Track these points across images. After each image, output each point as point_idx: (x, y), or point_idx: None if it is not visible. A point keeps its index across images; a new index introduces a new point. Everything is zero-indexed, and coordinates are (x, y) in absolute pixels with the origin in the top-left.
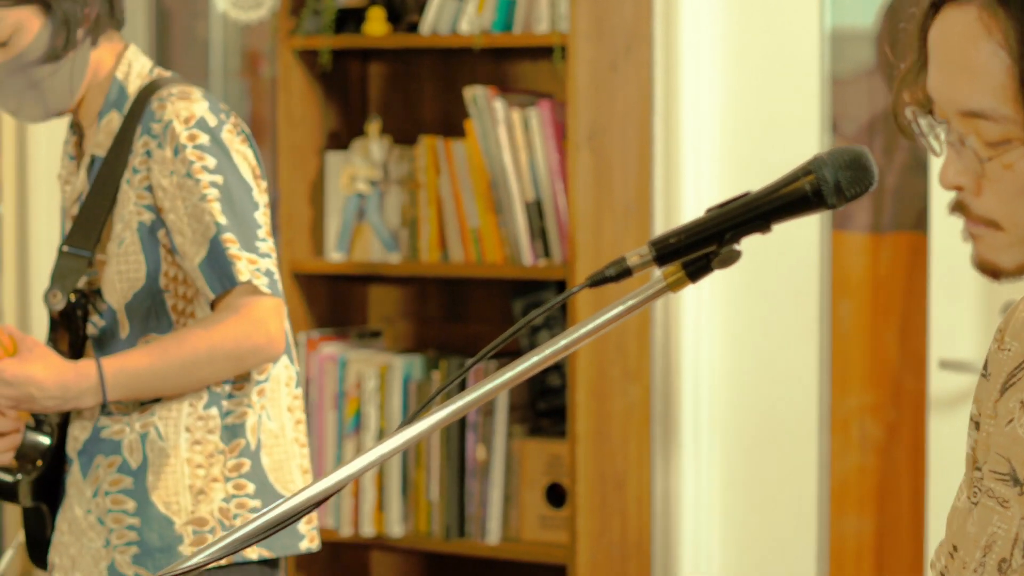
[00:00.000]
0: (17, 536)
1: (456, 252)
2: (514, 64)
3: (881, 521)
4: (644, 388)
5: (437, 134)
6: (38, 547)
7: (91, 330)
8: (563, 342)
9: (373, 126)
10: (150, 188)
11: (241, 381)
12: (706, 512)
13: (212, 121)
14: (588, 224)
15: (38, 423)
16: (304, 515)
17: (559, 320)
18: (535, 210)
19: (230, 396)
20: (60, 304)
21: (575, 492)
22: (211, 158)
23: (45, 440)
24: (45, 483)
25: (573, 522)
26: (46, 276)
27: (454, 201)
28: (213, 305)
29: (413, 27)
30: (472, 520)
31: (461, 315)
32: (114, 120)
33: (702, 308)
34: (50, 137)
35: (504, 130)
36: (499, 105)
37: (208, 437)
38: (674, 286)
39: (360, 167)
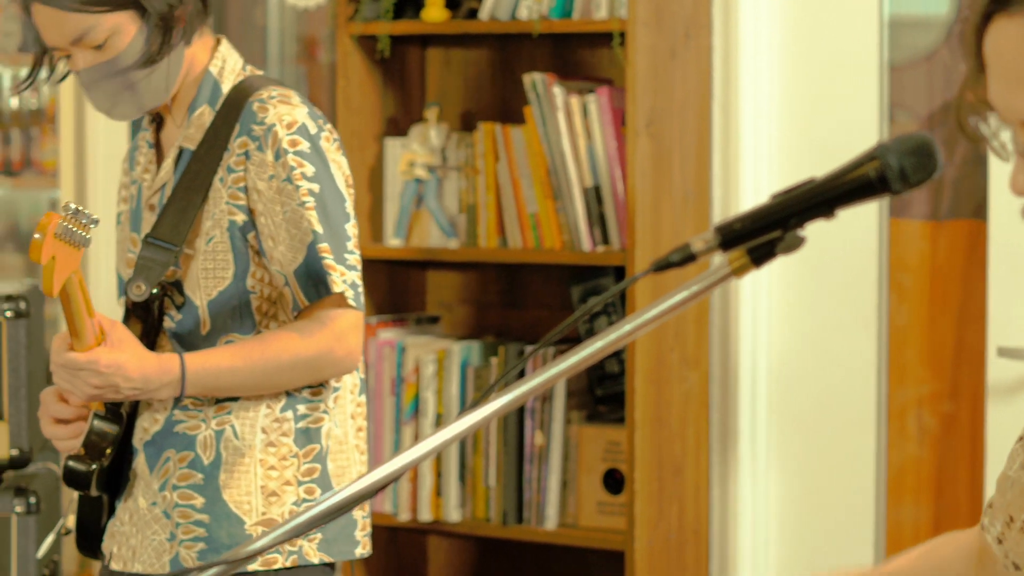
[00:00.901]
0: (61, 521)
1: (514, 238)
2: (573, 50)
3: (938, 510)
4: (702, 375)
5: (495, 120)
6: (89, 535)
7: (168, 323)
8: (628, 327)
9: (432, 112)
10: (245, 189)
11: (318, 386)
12: (763, 499)
13: (312, 128)
14: (647, 210)
15: (107, 412)
16: (365, 500)
17: (617, 306)
18: (593, 196)
19: (306, 400)
20: (143, 296)
21: (633, 478)
22: (310, 166)
23: (113, 429)
24: (109, 471)
25: (631, 508)
26: (101, 262)
27: (512, 187)
28: (298, 311)
29: (472, 13)
30: (529, 506)
31: (519, 301)
32: (205, 115)
33: (760, 295)
34: (107, 124)
35: (563, 116)
36: (558, 91)
37: (283, 440)
38: (739, 271)
39: (419, 153)
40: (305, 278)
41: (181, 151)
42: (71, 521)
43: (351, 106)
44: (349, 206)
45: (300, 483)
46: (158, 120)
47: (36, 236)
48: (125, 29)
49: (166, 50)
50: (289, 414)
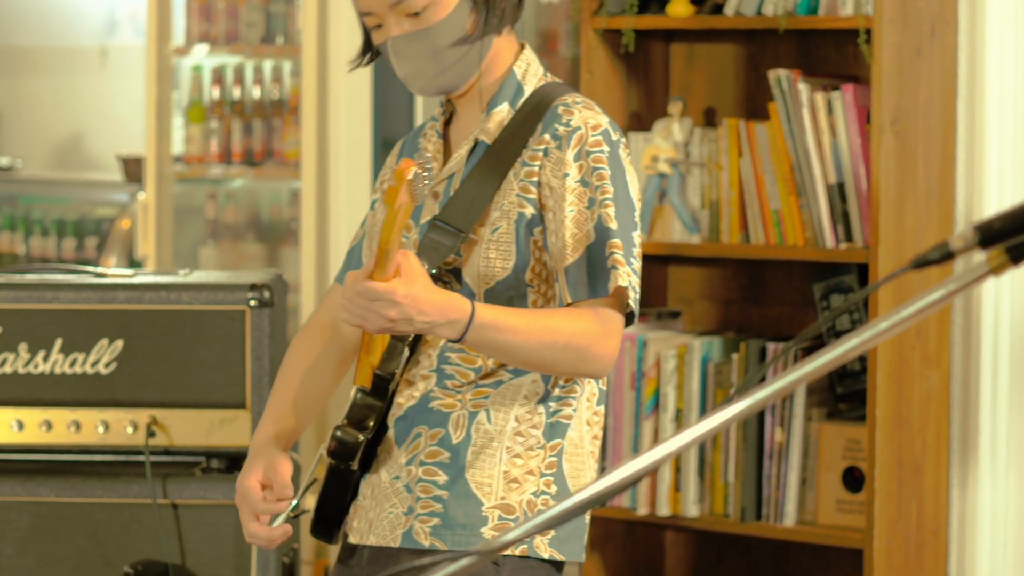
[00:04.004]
0: (293, 502)
1: (757, 234)
2: (818, 47)
3: None
4: (943, 374)
5: (739, 116)
6: (327, 519)
7: None
8: (884, 324)
9: (675, 107)
10: (538, 184)
11: (571, 384)
12: (1002, 500)
13: (613, 136)
14: (891, 208)
15: (375, 387)
16: (611, 498)
17: (860, 305)
18: (837, 193)
19: (558, 399)
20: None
21: (873, 477)
22: (608, 170)
23: (379, 402)
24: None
25: (870, 507)
26: (344, 249)
27: (755, 183)
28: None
29: (717, 8)
30: (768, 502)
31: (760, 297)
32: (504, 112)
33: (1002, 294)
34: (350, 116)
35: (808, 113)
36: (803, 88)
37: (532, 432)
38: (997, 270)
39: (662, 148)
40: (590, 275)
41: (476, 143)
42: (308, 503)
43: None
44: (637, 216)
45: (542, 475)
46: (450, 112)
47: (393, 183)
48: (445, 1)
49: (481, 32)
50: (542, 408)
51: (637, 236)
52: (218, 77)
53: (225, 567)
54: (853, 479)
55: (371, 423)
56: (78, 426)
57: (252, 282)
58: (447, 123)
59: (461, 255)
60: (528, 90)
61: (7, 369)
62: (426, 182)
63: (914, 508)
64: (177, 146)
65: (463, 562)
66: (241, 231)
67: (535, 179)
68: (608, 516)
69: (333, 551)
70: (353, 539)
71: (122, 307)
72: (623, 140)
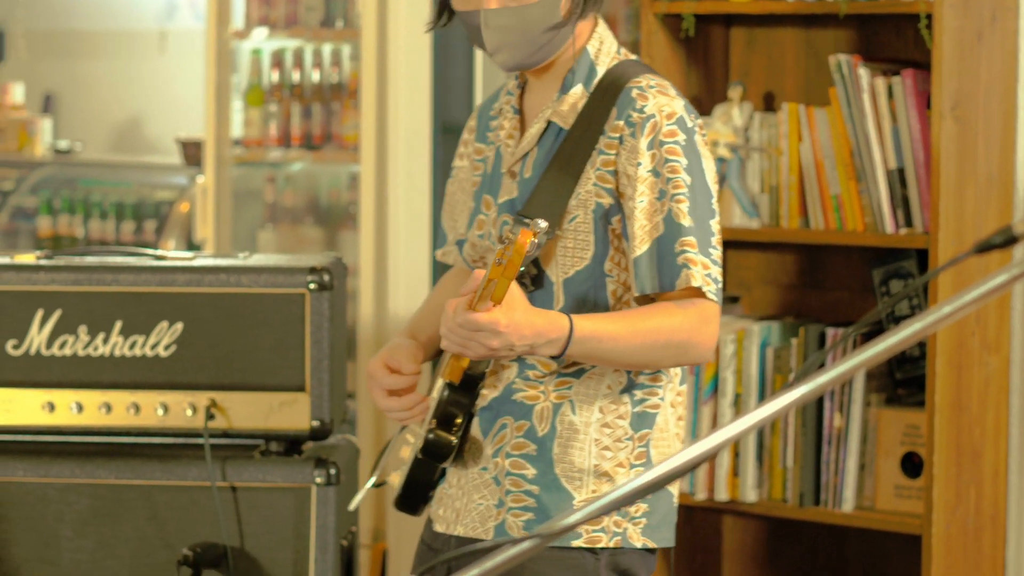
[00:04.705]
0: (372, 477)
1: (816, 219)
2: (878, 31)
3: None
4: (1003, 360)
5: (799, 101)
6: (414, 492)
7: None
8: (947, 309)
9: (735, 91)
10: (615, 173)
11: (657, 372)
12: None
13: (689, 122)
14: (951, 193)
15: (463, 383)
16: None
17: (919, 290)
18: (897, 178)
19: (643, 386)
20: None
21: (932, 463)
22: (684, 158)
23: (467, 399)
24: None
25: (929, 493)
26: (402, 233)
27: (815, 168)
28: (646, 300)
29: None
30: (827, 488)
31: (819, 282)
32: (577, 94)
33: None
34: (409, 100)
35: (868, 98)
36: (863, 73)
37: (618, 422)
38: None
39: (721, 132)
40: (663, 267)
41: (549, 124)
42: (394, 478)
43: None
44: (715, 202)
45: (632, 466)
46: (523, 85)
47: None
48: None
49: (576, 18)
50: (626, 397)
51: (715, 224)
52: (277, 61)
53: (284, 550)
54: (912, 465)
55: (459, 420)
56: (137, 408)
57: (312, 265)
58: (522, 96)
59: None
60: (601, 70)
61: (67, 351)
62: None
63: (972, 494)
64: (236, 129)
65: (524, 545)
66: (299, 215)
67: (611, 168)
68: None
69: (391, 535)
70: (439, 527)
71: (182, 290)
72: (699, 124)
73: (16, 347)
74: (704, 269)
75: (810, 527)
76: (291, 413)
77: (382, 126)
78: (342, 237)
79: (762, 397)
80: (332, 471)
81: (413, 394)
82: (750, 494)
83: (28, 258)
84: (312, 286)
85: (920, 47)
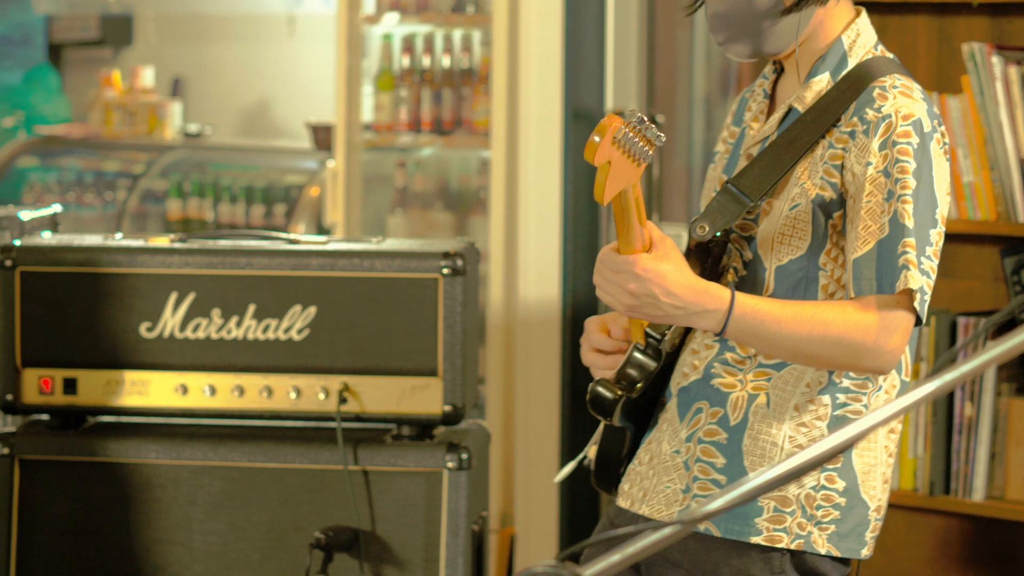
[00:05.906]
0: (583, 453)
1: (950, 208)
2: (1012, 20)
3: None
4: None
5: (931, 89)
6: (607, 466)
7: (731, 276)
8: None
9: None
10: (841, 168)
11: (864, 379)
12: None
13: (927, 126)
14: None
15: (649, 346)
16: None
17: None
18: None
19: (847, 391)
20: (705, 237)
21: None
22: (914, 162)
23: (652, 364)
24: (636, 406)
25: None
26: (532, 218)
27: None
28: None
29: None
30: (957, 477)
31: (950, 271)
32: (824, 82)
33: None
34: (540, 86)
35: (1001, 86)
36: (996, 61)
37: (815, 423)
38: None
39: None
40: (880, 269)
41: (790, 110)
42: (592, 452)
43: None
44: (939, 214)
45: (823, 470)
46: (779, 71)
47: (595, 138)
48: None
49: (798, 5)
50: (827, 399)
51: (936, 234)
52: (408, 46)
53: (415, 534)
54: None
55: (640, 384)
56: (270, 391)
57: (445, 250)
58: (776, 82)
59: (758, 223)
60: (853, 62)
61: (200, 334)
62: (648, 145)
63: None
64: (366, 114)
65: (666, 531)
66: (430, 200)
67: (839, 163)
68: None
69: (520, 520)
70: (623, 502)
71: (315, 274)
72: (939, 131)
73: (150, 330)
74: (919, 278)
75: (941, 516)
76: (423, 397)
77: (513, 111)
78: (472, 222)
79: None
80: (464, 456)
81: (618, 355)
82: None
83: (162, 241)
84: (445, 271)
85: None
